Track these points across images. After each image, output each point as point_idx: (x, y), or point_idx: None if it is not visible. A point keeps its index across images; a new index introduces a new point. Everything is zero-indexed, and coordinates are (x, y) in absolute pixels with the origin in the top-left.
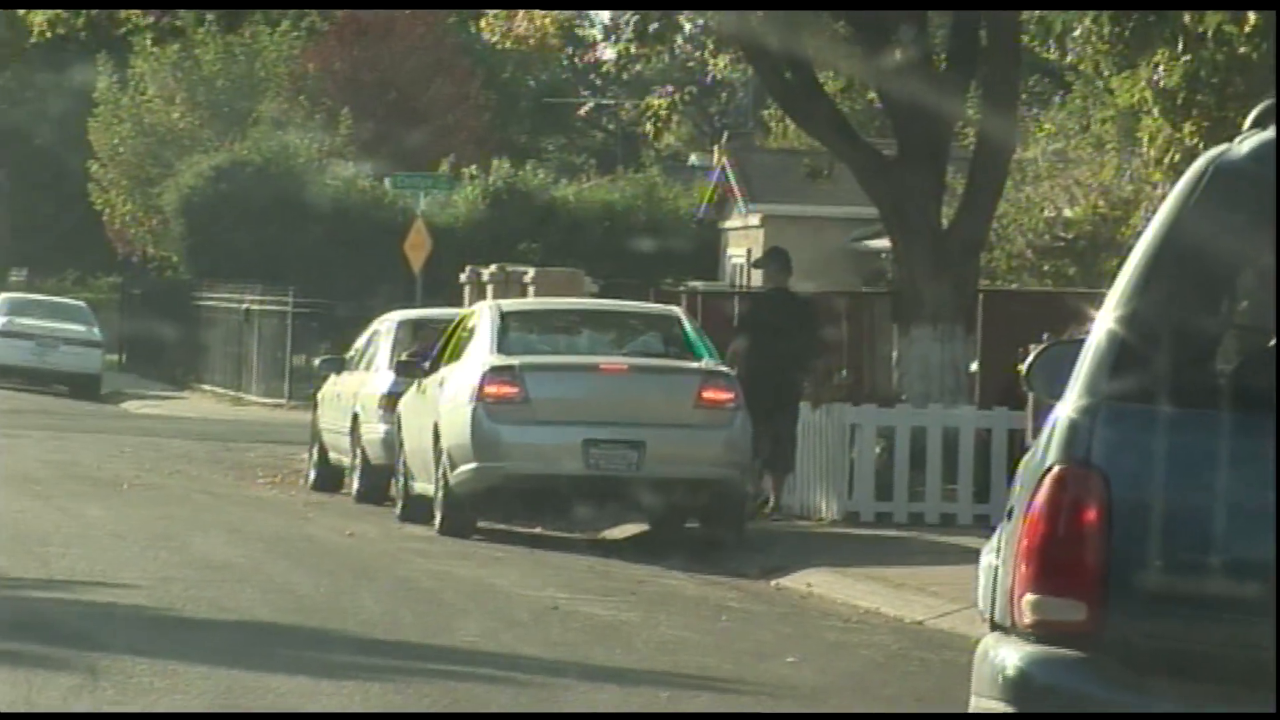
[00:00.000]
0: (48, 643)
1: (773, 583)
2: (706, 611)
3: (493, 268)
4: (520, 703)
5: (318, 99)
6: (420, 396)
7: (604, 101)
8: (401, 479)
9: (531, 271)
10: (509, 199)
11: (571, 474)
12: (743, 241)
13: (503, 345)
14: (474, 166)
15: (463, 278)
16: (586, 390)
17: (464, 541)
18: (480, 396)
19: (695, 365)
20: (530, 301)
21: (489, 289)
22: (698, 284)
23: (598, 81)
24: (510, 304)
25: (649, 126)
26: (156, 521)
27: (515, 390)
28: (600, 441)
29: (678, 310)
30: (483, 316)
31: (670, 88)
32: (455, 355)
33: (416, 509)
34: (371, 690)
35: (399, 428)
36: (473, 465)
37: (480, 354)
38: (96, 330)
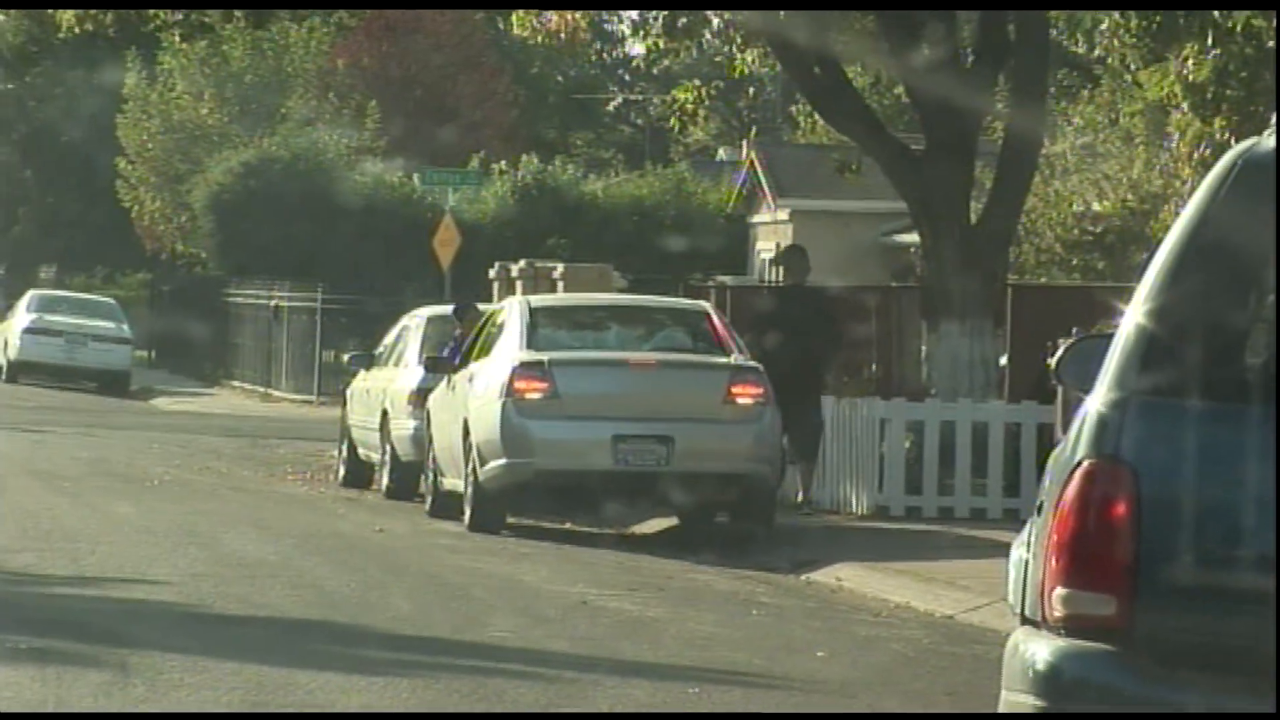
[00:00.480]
0: (77, 639)
1: (803, 577)
2: (736, 606)
3: (521, 263)
4: (549, 698)
5: (346, 95)
6: (450, 393)
7: (632, 97)
8: (431, 475)
9: (561, 267)
10: (538, 194)
11: (601, 469)
12: (771, 236)
13: (532, 341)
14: (503, 162)
15: (491, 273)
16: (616, 385)
17: (492, 537)
18: (510, 392)
19: (725, 360)
20: (559, 297)
21: (518, 285)
22: (726, 279)
23: (626, 77)
24: (539, 300)
25: (675, 120)
26: (186, 518)
27: (545, 386)
28: (629, 437)
29: (706, 305)
30: (512, 312)
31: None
32: (485, 351)
33: (446, 505)
34: (400, 686)
35: (428, 424)
36: (502, 461)
37: (510, 350)
38: (126, 327)
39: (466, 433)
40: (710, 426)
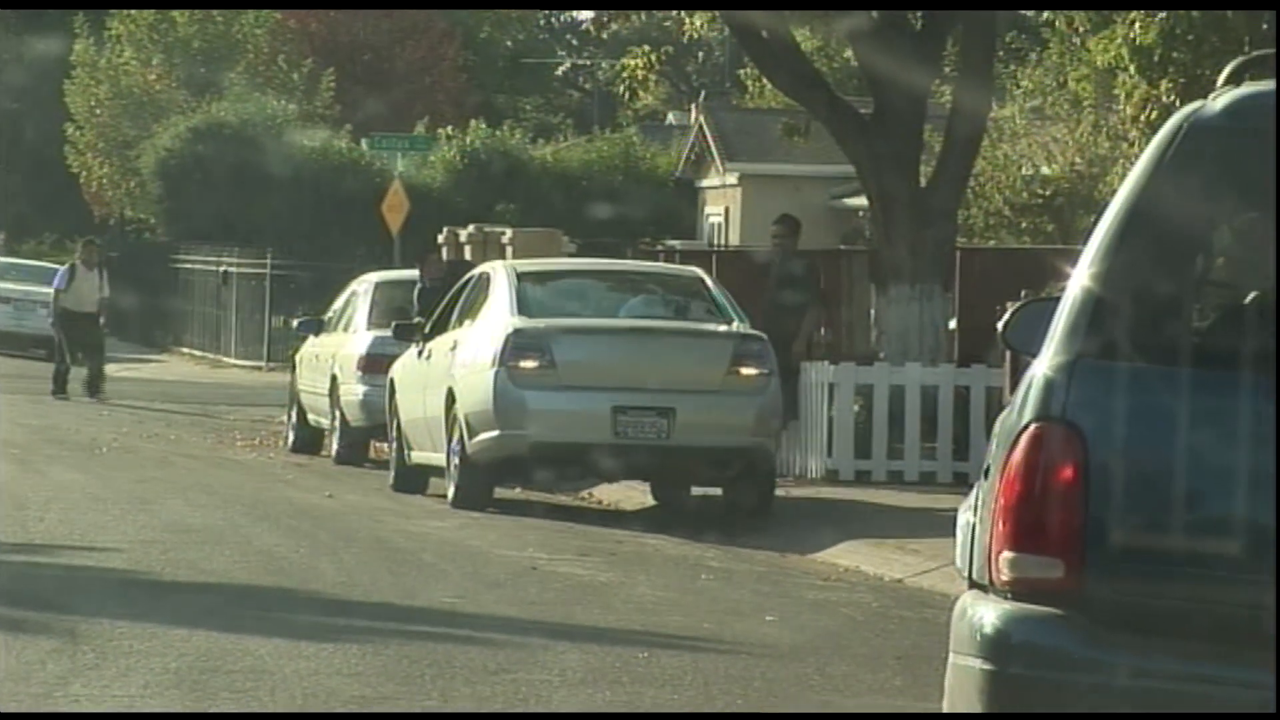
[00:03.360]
0: (26, 607)
1: (751, 543)
2: (685, 571)
3: (470, 228)
4: (499, 662)
5: (295, 61)
6: (424, 362)
7: (580, 61)
8: (395, 448)
9: (510, 232)
10: (486, 160)
11: (599, 442)
12: (720, 200)
13: (523, 308)
14: (450, 128)
15: (440, 239)
16: (615, 355)
17: (442, 503)
18: (503, 361)
19: (728, 329)
20: (546, 262)
21: (467, 250)
22: (675, 243)
23: (574, 41)
24: (526, 264)
25: (624, 88)
26: (135, 485)
27: (540, 355)
28: (629, 408)
29: (699, 271)
30: (497, 277)
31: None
32: (466, 318)
33: (412, 479)
34: (350, 651)
35: (391, 394)
36: (494, 434)
37: (500, 317)
38: None
39: (451, 403)
40: (713, 398)
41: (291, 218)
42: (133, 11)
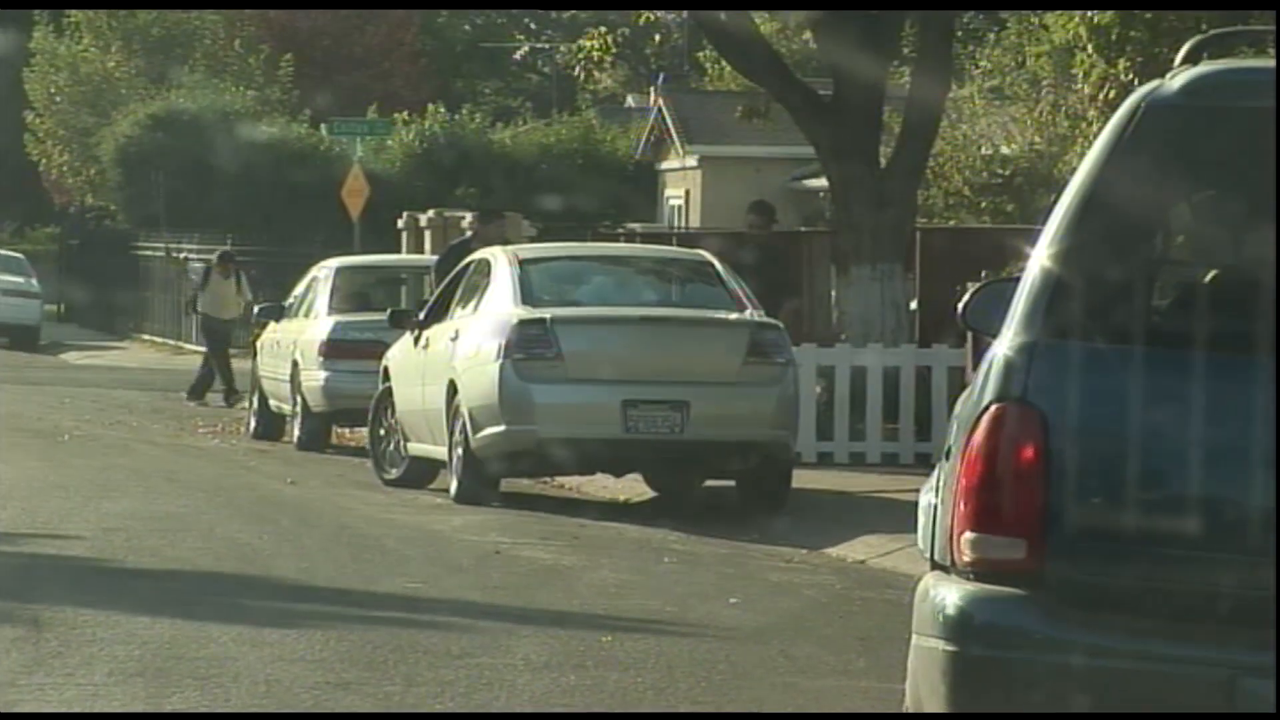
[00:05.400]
0: None
1: (712, 528)
2: (648, 554)
3: (430, 213)
4: (463, 646)
5: (253, 46)
6: (421, 351)
7: (539, 45)
8: (387, 441)
9: (470, 216)
10: (445, 144)
11: (609, 438)
12: (680, 183)
13: (527, 296)
14: (408, 112)
15: (400, 223)
16: (625, 346)
17: (405, 490)
18: (508, 353)
19: (744, 317)
20: (547, 247)
21: (427, 234)
22: (636, 226)
23: (532, 25)
24: (528, 250)
25: (580, 69)
26: (98, 472)
27: (547, 346)
28: (640, 402)
29: (708, 254)
30: (498, 264)
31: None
32: (465, 306)
33: (414, 473)
34: (315, 637)
35: (385, 381)
36: (500, 428)
37: (502, 306)
38: (34, 281)
39: (452, 395)
40: (730, 390)
41: (252, 204)
42: None
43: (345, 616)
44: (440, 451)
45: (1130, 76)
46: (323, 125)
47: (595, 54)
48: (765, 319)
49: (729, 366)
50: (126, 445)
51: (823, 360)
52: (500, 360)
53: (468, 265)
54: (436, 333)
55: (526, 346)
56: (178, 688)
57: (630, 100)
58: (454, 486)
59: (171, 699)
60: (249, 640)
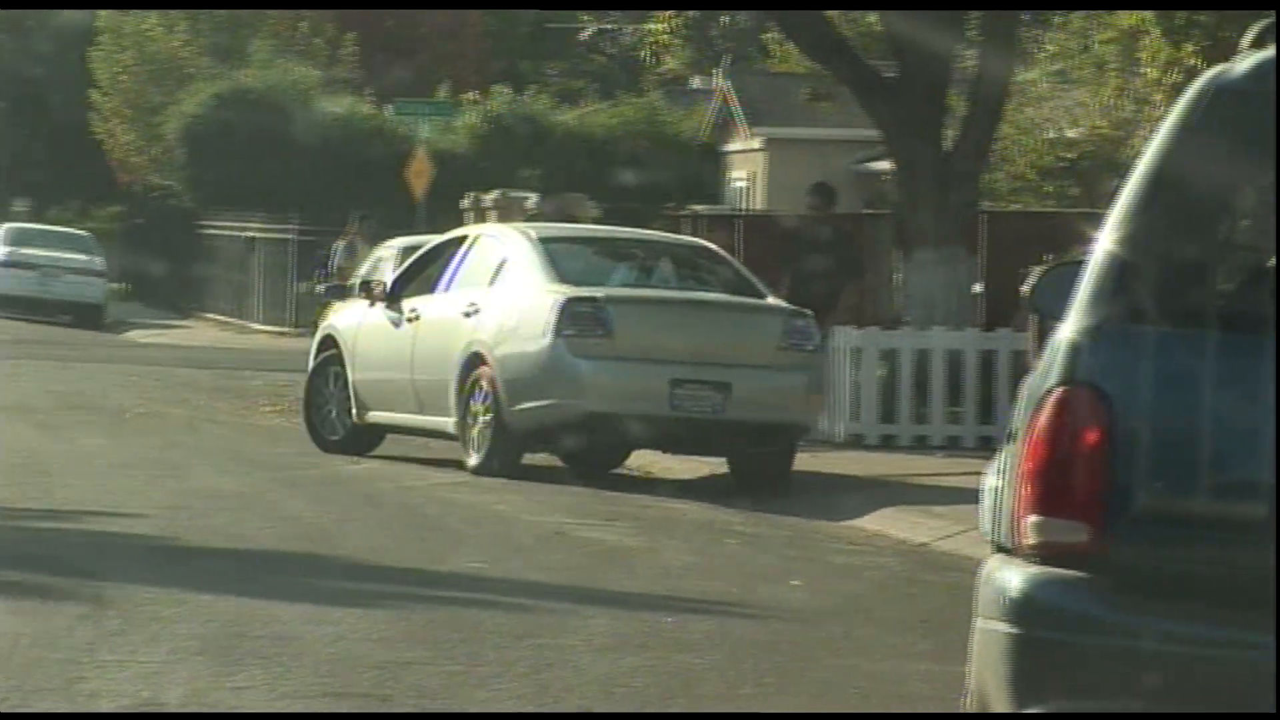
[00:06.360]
0: (53, 573)
1: (777, 509)
2: (712, 536)
3: (495, 193)
4: (525, 627)
5: (318, 27)
6: (407, 324)
7: (605, 26)
8: (331, 409)
9: (534, 197)
10: (510, 125)
11: (656, 415)
12: (744, 165)
13: (561, 275)
14: (474, 93)
15: (464, 204)
16: (672, 327)
17: (466, 470)
18: (559, 331)
19: (778, 305)
20: (560, 228)
21: (491, 215)
22: (700, 208)
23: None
24: (541, 229)
25: (648, 52)
26: (161, 451)
27: (599, 324)
28: (686, 381)
29: (707, 242)
30: (512, 242)
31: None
32: (469, 281)
33: (354, 439)
34: (376, 616)
35: (335, 349)
36: (546, 402)
37: (537, 282)
38: (100, 259)
39: (471, 367)
40: (765, 373)
41: (316, 183)
42: None
43: (409, 596)
44: (428, 421)
45: (1196, 61)
46: (387, 106)
47: (663, 38)
48: (797, 309)
49: (765, 351)
50: (191, 424)
51: (886, 343)
52: (551, 336)
53: (456, 240)
54: (429, 305)
55: (577, 323)
56: (240, 666)
57: (695, 82)
58: (475, 458)
59: (234, 677)
60: (312, 619)
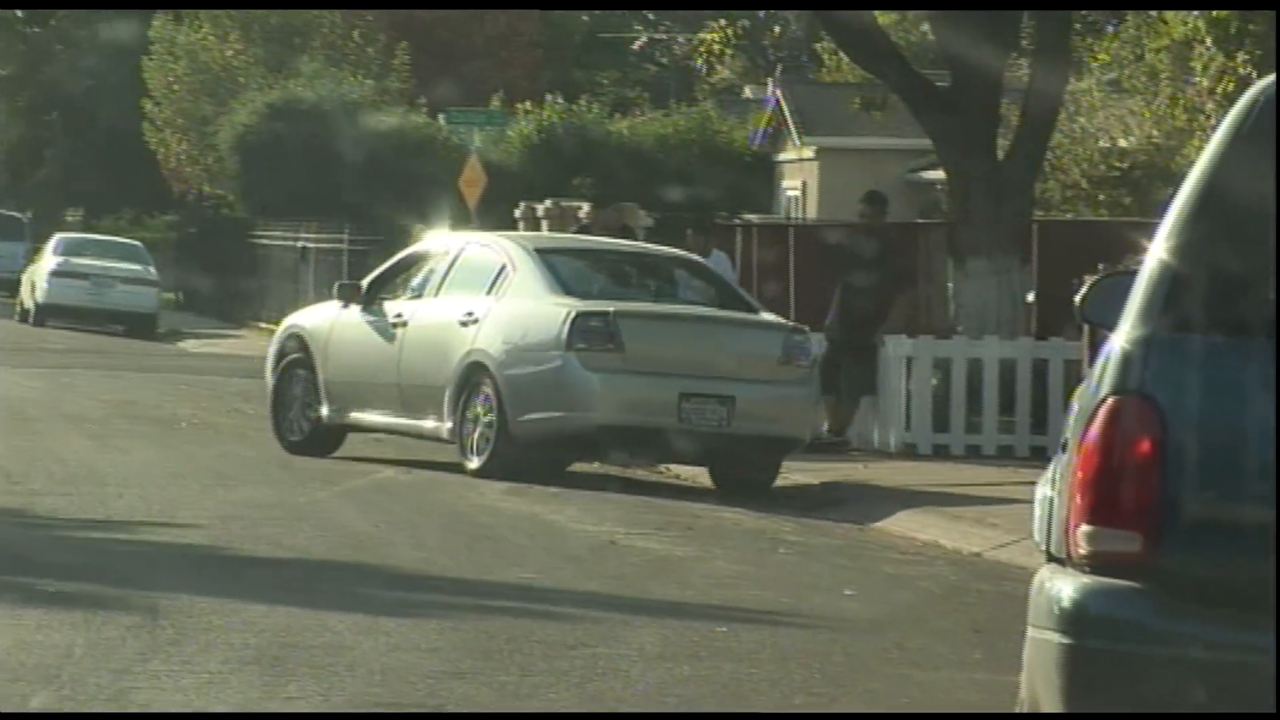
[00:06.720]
0: (106, 583)
1: (829, 517)
2: (763, 545)
3: (547, 203)
4: (578, 637)
5: (370, 36)
6: (391, 328)
7: (657, 35)
8: (290, 408)
9: (586, 206)
10: (563, 134)
11: (665, 427)
12: (797, 174)
13: (565, 287)
14: (527, 103)
15: (517, 213)
16: (681, 341)
17: (519, 480)
18: (571, 343)
19: (777, 320)
20: (555, 238)
21: (544, 224)
22: (752, 217)
23: (650, 15)
24: (537, 240)
25: (701, 61)
26: (214, 460)
27: (609, 338)
28: (694, 395)
29: (695, 256)
30: (510, 252)
31: (722, 20)
32: (465, 290)
33: (317, 439)
34: (429, 626)
35: (311, 350)
36: (556, 413)
37: (542, 294)
38: (152, 269)
39: (470, 375)
40: (767, 388)
41: (369, 193)
42: None
43: (461, 606)
44: (413, 424)
45: (1249, 69)
46: (440, 115)
47: (716, 47)
48: (794, 324)
49: (767, 365)
50: (243, 433)
51: (939, 352)
52: (562, 349)
53: (435, 248)
54: (419, 310)
55: (589, 337)
56: (293, 676)
57: (748, 91)
58: (476, 461)
59: (287, 687)
60: (365, 629)
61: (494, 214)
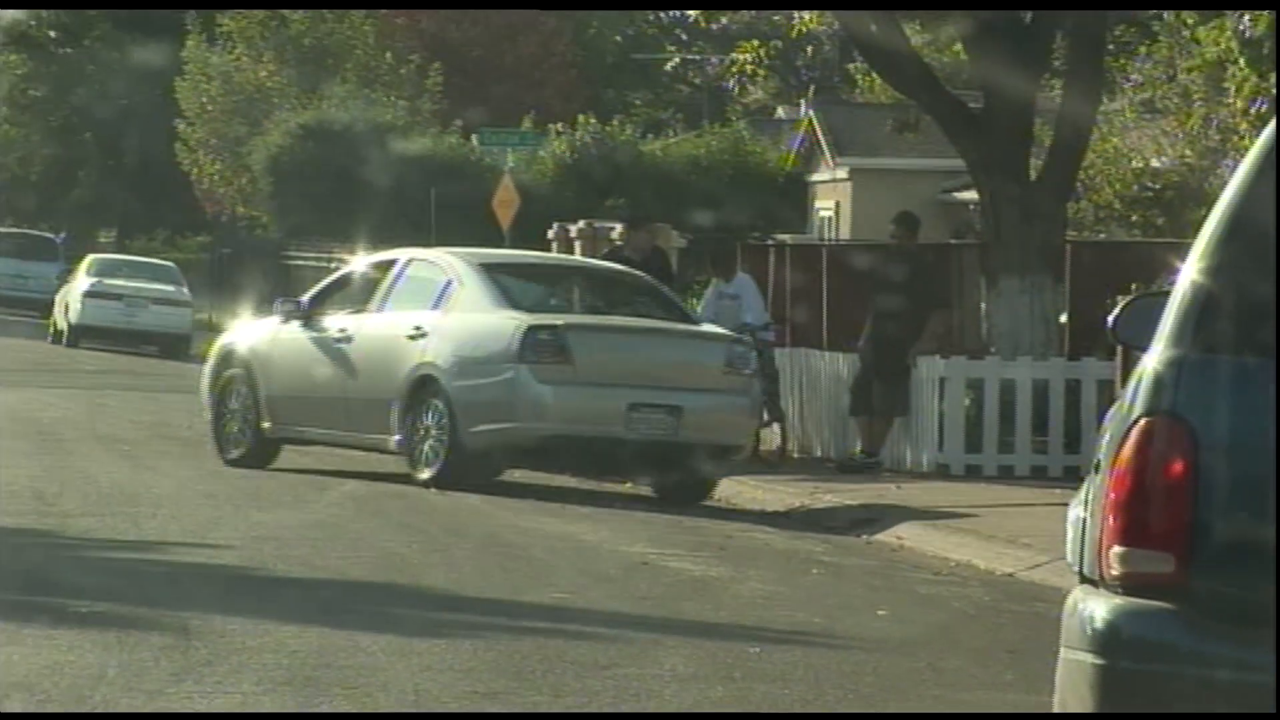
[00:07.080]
0: (139, 603)
1: (863, 536)
2: (796, 565)
3: (581, 223)
4: (610, 657)
5: (403, 57)
6: (334, 343)
7: (690, 56)
8: (229, 424)
9: (619, 227)
10: (596, 155)
11: (613, 437)
12: (830, 195)
13: (511, 301)
14: (560, 123)
15: (550, 234)
16: (629, 353)
17: (552, 500)
18: (522, 356)
19: (720, 331)
20: (496, 254)
21: (577, 245)
22: (785, 237)
23: (683, 36)
24: (481, 255)
25: (734, 82)
26: (246, 481)
27: (559, 351)
28: (643, 405)
29: (636, 272)
30: (455, 268)
31: (755, 41)
32: (411, 304)
33: (257, 454)
34: (462, 646)
35: (250, 366)
36: (507, 425)
37: (490, 308)
38: (185, 290)
39: (419, 388)
40: (712, 397)
41: (402, 214)
42: (244, 10)
43: (493, 626)
44: (359, 438)
45: None
46: (474, 136)
47: (748, 67)
48: (736, 334)
49: (711, 375)
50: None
51: (972, 373)
52: (513, 362)
53: (376, 264)
54: (363, 325)
55: (539, 349)
56: (326, 696)
57: (781, 112)
58: (427, 472)
59: (320, 708)
60: (397, 650)
61: (526, 234)
